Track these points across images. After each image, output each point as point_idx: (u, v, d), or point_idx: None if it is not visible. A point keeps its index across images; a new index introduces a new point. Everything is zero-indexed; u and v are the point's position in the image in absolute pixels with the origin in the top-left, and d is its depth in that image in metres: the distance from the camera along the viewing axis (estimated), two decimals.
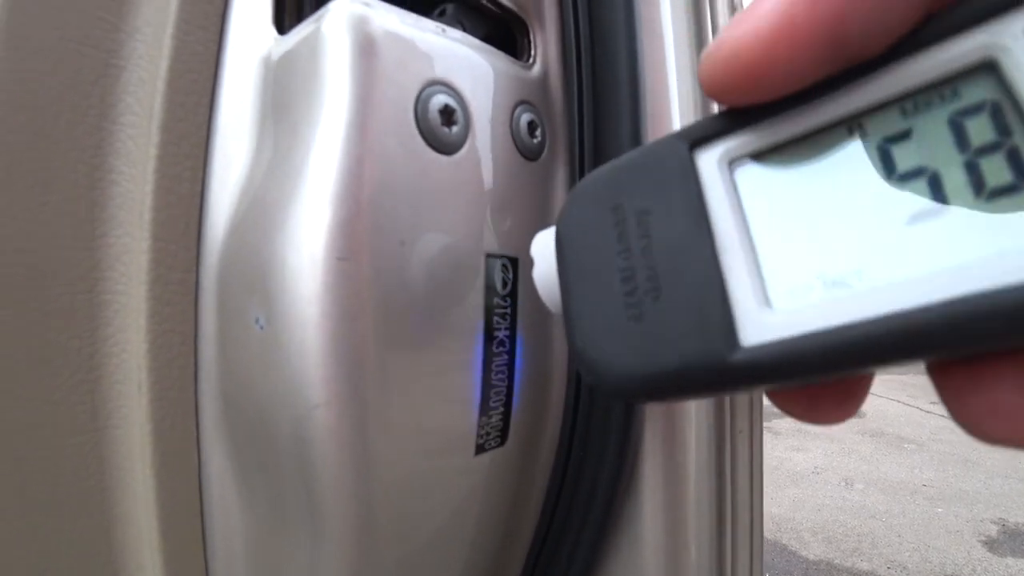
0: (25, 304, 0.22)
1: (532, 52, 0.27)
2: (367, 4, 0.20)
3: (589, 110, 0.27)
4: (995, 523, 2.26)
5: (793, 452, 2.94)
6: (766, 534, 2.18)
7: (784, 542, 2.15)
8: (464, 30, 0.24)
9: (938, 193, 0.11)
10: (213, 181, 0.23)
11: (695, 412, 0.28)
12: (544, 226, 0.27)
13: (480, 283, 0.22)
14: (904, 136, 0.11)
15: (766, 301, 0.12)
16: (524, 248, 0.25)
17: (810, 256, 0.12)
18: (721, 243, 0.13)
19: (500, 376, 0.23)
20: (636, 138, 0.25)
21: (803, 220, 0.12)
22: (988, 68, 0.11)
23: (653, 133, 0.26)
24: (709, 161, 0.14)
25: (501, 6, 0.26)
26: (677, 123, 0.28)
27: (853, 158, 0.12)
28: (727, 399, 0.31)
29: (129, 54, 0.24)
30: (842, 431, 3.26)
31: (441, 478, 0.22)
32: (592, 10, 0.28)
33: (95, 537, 0.24)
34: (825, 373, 0.11)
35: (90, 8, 0.23)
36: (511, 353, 0.24)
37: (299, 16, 0.24)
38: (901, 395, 3.99)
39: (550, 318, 0.26)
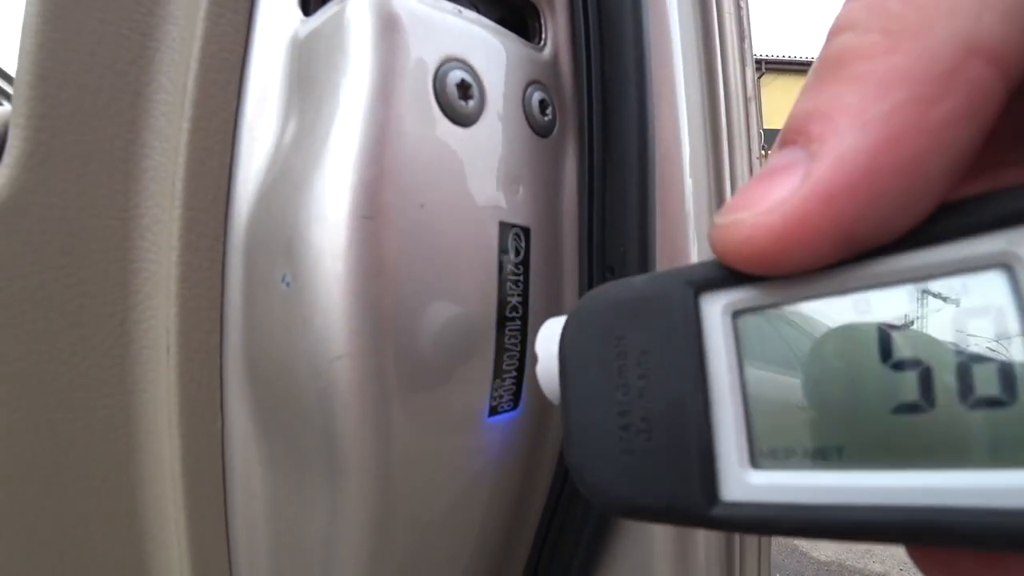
0: (62, 270, 0.24)
1: (543, 35, 0.28)
2: None
3: (597, 91, 0.28)
4: None
5: None
6: None
7: (795, 542, 2.13)
8: (479, 12, 0.26)
9: (927, 390, 0.11)
10: (241, 153, 0.24)
11: None
12: (555, 200, 0.28)
13: (494, 249, 0.23)
14: (906, 324, 0.11)
15: (751, 461, 0.13)
16: (536, 219, 0.26)
17: (799, 423, 0.12)
18: (715, 396, 0.13)
19: (513, 341, 0.24)
20: (642, 118, 0.26)
21: (798, 384, 0.13)
22: (1001, 273, 0.11)
23: (658, 113, 0.27)
24: (713, 308, 0.14)
25: None
26: (682, 105, 0.28)
27: (854, 334, 0.12)
28: None
29: (163, 36, 0.25)
30: None
31: (455, 436, 0.23)
32: None
33: (122, 495, 0.25)
34: (796, 535, 0.12)
35: None
36: (524, 319, 0.25)
37: None
38: None
39: (561, 287, 0.27)
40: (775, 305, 0.13)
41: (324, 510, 0.22)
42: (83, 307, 0.24)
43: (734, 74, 0.32)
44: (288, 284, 0.20)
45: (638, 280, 0.15)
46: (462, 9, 0.24)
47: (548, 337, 0.17)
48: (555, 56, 0.28)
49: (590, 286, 0.27)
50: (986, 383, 0.10)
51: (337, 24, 0.21)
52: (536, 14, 0.28)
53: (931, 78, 0.10)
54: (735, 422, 0.13)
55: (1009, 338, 0.10)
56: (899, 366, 0.11)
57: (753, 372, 0.13)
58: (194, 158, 0.24)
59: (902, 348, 0.11)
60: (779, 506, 0.12)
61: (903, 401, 0.11)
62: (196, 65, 0.24)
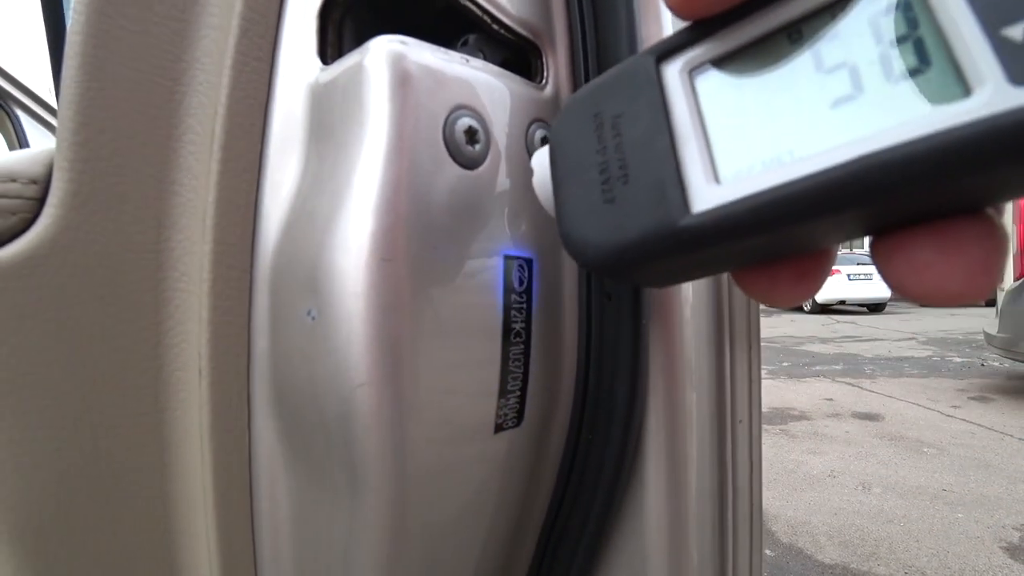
0: (102, 300, 0.26)
1: (545, 74, 0.30)
2: (403, 42, 0.23)
3: None
4: (1017, 529, 2.22)
5: (809, 455, 2.91)
6: (781, 538, 2.17)
7: (800, 546, 2.14)
8: (484, 57, 0.27)
9: (856, 80, 0.13)
10: (266, 192, 0.26)
11: (696, 401, 0.31)
12: (556, 231, 0.30)
13: (499, 281, 0.25)
14: (833, 37, 0.14)
15: (715, 179, 0.15)
16: (539, 249, 0.28)
17: (754, 142, 0.15)
18: (679, 135, 0.16)
19: (517, 363, 0.26)
20: None
21: (749, 114, 0.15)
22: None
23: None
24: (672, 71, 0.16)
25: (516, 34, 0.29)
26: None
27: (790, 58, 0.15)
28: (727, 389, 0.33)
29: (190, 81, 0.27)
30: (859, 435, 3.22)
31: (464, 452, 0.25)
32: (599, 33, 0.30)
33: (156, 505, 0.27)
34: (764, 230, 0.14)
35: (158, 42, 0.27)
36: (527, 343, 0.26)
37: (340, 48, 0.27)
38: (921, 398, 3.93)
39: (561, 313, 0.29)
40: (724, 54, 0.16)
41: (344, 521, 0.24)
42: (121, 333, 0.26)
43: None
44: (313, 318, 0.22)
45: (610, 69, 0.18)
46: (468, 58, 0.26)
47: (542, 153, 0.20)
48: (556, 93, 0.30)
49: (588, 312, 0.29)
50: (904, 59, 0.13)
51: (355, 77, 0.23)
52: (538, 54, 0.30)
53: None
54: (699, 151, 0.15)
55: (917, 21, 0.13)
56: (831, 70, 0.14)
57: (710, 110, 0.16)
58: (223, 196, 0.26)
59: (831, 56, 0.14)
60: (740, 199, 0.14)
61: (839, 95, 0.14)
62: (223, 111, 0.26)
